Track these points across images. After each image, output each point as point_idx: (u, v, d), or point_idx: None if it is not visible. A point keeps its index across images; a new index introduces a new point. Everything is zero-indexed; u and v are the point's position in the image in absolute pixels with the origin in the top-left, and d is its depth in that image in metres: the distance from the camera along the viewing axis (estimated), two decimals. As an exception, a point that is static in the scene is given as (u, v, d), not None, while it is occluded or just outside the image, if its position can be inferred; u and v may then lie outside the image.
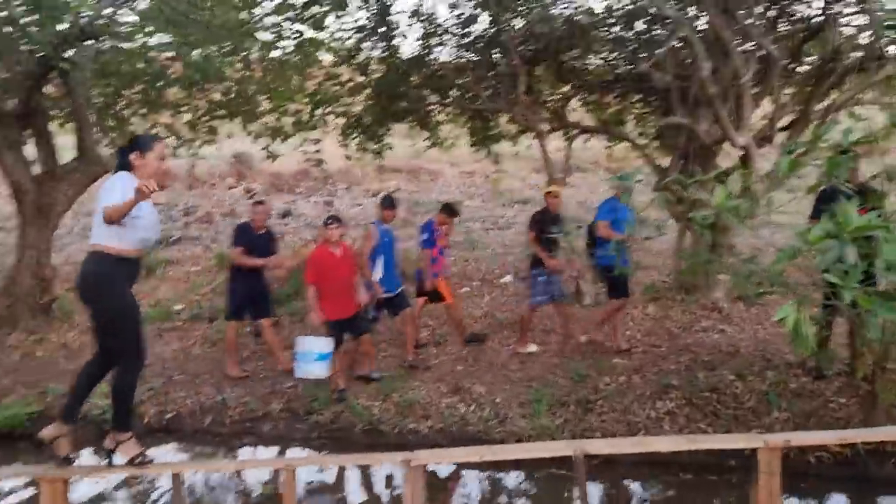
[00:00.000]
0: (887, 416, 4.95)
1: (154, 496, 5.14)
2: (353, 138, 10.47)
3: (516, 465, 5.27)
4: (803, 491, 4.86)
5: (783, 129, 8.29)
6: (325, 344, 6.03)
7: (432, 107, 10.63)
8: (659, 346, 6.91)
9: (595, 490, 5.12)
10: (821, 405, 5.43)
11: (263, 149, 10.50)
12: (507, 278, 9.84)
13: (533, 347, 7.05)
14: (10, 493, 5.07)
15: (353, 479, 5.43)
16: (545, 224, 6.54)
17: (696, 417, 5.51)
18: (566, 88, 10.54)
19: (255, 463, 4.62)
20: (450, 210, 7.25)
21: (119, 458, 3.77)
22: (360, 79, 9.93)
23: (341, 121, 10.36)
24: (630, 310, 8.14)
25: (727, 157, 9.11)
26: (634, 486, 5.16)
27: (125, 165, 3.55)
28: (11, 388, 6.45)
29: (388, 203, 6.86)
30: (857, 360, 5.31)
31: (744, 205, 4.20)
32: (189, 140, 10.42)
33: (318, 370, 6.02)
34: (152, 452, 5.80)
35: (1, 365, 6.94)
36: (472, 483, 5.32)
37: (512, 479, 5.33)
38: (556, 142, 12.20)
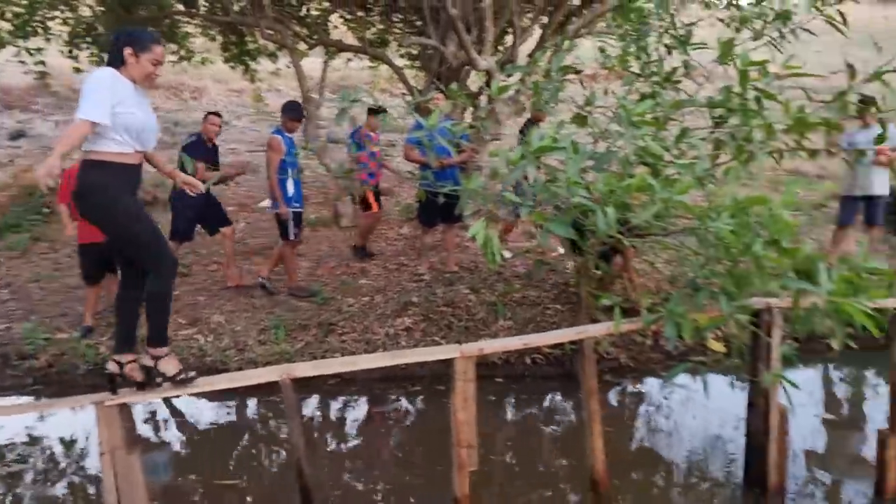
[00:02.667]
0: (589, 319, 5.54)
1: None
2: (84, 48, 9.31)
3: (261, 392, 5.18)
4: (517, 390, 5.35)
5: (530, 54, 8.67)
6: None
7: (179, 17, 9.74)
8: (407, 266, 7.10)
9: (335, 406, 5.24)
10: (539, 312, 5.94)
11: (-30, 58, 9.02)
12: (266, 202, 9.51)
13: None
14: None
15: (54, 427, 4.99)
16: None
17: (432, 331, 5.78)
18: (326, 3, 10.18)
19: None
20: (374, 111, 6.65)
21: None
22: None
23: (67, 28, 9.12)
24: (385, 230, 8.30)
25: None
26: (373, 400, 5.33)
27: (117, 59, 3.12)
28: None
29: (295, 111, 6.10)
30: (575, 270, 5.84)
31: (457, 127, 4.33)
32: None
33: None
34: None
35: None
36: (206, 415, 5.17)
37: (254, 406, 5.26)
38: (336, 61, 11.85)
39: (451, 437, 3.66)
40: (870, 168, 6.48)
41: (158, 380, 3.39)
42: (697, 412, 5.07)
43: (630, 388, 5.42)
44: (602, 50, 5.29)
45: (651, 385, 5.48)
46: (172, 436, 4.91)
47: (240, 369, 5.35)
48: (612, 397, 5.30)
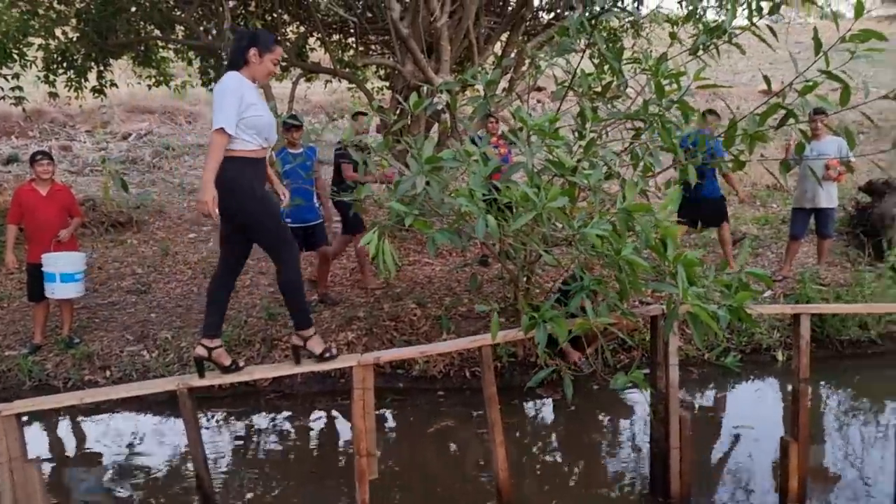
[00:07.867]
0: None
1: None
2: (61, 74, 9.53)
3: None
4: (455, 402, 5.37)
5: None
6: (82, 261, 5.81)
7: (154, 42, 9.97)
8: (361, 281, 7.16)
9: (271, 420, 5.30)
10: (483, 325, 5.96)
11: (-50, 87, 9.25)
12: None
13: None
14: None
15: None
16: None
17: (374, 345, 5.82)
18: (302, 28, 10.38)
19: None
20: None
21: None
22: (62, 8, 9.00)
23: (41, 54, 9.33)
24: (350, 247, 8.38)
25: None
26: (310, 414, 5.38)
27: (239, 60, 3.34)
28: None
29: (284, 124, 5.95)
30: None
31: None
32: None
33: (76, 290, 5.79)
34: None
35: None
36: (130, 427, 5.23)
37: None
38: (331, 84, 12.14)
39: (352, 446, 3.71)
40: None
41: (308, 358, 3.71)
42: (623, 421, 5.07)
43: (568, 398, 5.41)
44: (537, 67, 5.38)
45: (590, 396, 5.47)
46: (102, 448, 4.97)
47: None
48: (546, 408, 5.30)
